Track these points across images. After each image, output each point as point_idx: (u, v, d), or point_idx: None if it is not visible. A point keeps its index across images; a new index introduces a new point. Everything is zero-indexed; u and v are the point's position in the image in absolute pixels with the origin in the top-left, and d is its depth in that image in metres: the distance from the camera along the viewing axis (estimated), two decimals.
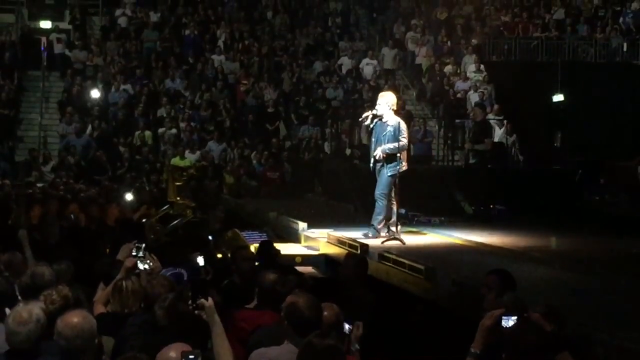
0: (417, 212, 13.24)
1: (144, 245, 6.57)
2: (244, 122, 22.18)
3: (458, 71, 23.15)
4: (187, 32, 24.61)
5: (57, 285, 5.50)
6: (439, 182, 14.85)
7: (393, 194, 10.98)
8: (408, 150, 11.65)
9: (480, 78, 22.42)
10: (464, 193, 14.61)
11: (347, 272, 7.34)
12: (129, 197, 14.31)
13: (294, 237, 12.13)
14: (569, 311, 5.56)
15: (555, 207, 13.94)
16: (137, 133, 21.20)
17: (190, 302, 4.90)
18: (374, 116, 11.03)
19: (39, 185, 15.88)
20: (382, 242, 10.48)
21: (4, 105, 21.77)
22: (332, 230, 11.38)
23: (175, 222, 15.48)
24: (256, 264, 7.54)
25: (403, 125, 10.90)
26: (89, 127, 21.35)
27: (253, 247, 9.53)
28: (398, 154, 10.74)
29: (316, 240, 11.37)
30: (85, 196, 13.10)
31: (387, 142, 10.82)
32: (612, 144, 18.95)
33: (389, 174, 10.86)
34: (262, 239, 10.47)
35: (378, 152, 10.89)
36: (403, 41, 24.88)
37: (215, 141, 20.95)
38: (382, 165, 10.93)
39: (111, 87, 22.49)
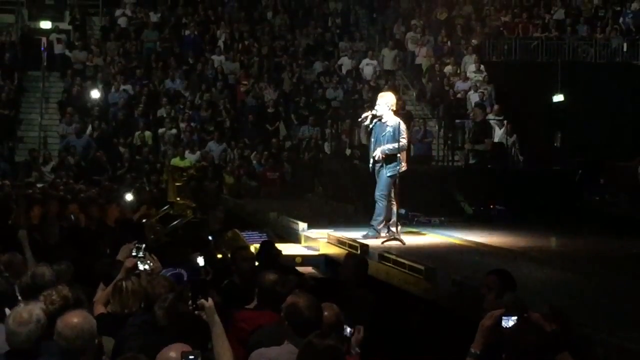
0: (417, 213, 13.24)
1: (144, 245, 6.57)
2: (244, 122, 22.18)
3: (458, 71, 23.14)
4: (187, 32, 24.62)
5: (57, 285, 5.51)
6: (439, 183, 14.84)
7: (393, 195, 10.98)
8: (408, 150, 11.66)
9: (480, 78, 22.42)
10: (464, 193, 14.60)
11: (347, 272, 7.34)
12: (129, 197, 14.30)
13: (294, 238, 12.13)
14: (569, 311, 5.56)
15: (555, 207, 13.93)
16: (137, 133, 21.20)
17: (190, 302, 4.90)
18: (374, 116, 11.02)
19: (39, 185, 15.88)
20: (382, 243, 10.48)
21: (4, 106, 21.77)
22: (332, 230, 11.38)
23: (175, 222, 15.47)
24: (256, 264, 7.54)
25: (402, 126, 10.90)
26: (89, 128, 21.36)
27: (253, 248, 9.53)
28: (398, 155, 10.73)
29: (316, 241, 11.37)
30: (85, 196, 13.09)
31: (387, 143, 10.81)
32: (612, 144, 18.94)
33: (388, 174, 10.85)
34: (262, 239, 10.48)
35: (377, 153, 10.88)
36: (403, 41, 24.88)
37: (215, 141, 20.95)
38: (381, 166, 10.92)
39: (111, 88, 22.49)
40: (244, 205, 17.06)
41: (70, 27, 24.99)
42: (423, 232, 11.95)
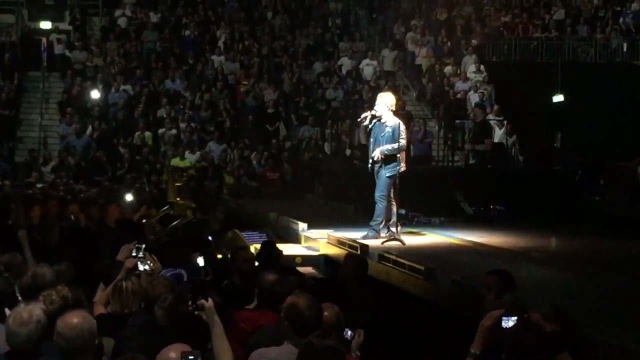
0: (417, 213, 13.23)
1: (144, 245, 6.57)
2: (244, 122, 22.19)
3: (458, 72, 23.15)
4: (187, 32, 24.62)
5: (57, 285, 5.51)
6: (439, 183, 14.83)
7: (392, 195, 10.97)
8: (407, 150, 11.64)
9: (480, 78, 22.43)
10: (464, 193, 14.59)
11: (347, 272, 7.34)
12: (129, 197, 14.29)
13: (294, 238, 12.12)
14: (569, 311, 5.56)
15: (555, 208, 13.93)
16: (137, 134, 21.21)
17: (190, 302, 4.90)
18: (373, 117, 11.00)
19: (39, 185, 15.89)
20: (382, 243, 10.47)
21: (4, 106, 21.77)
22: (332, 230, 11.38)
23: (175, 222, 15.45)
24: (256, 264, 7.54)
25: (402, 126, 10.88)
26: (89, 128, 21.36)
27: (253, 248, 9.54)
28: (398, 155, 10.73)
29: (316, 241, 11.36)
30: (85, 197, 13.09)
31: (386, 143, 10.79)
32: (612, 144, 18.95)
33: (388, 174, 10.84)
34: (262, 240, 10.48)
35: (376, 153, 10.86)
36: (403, 42, 24.88)
37: (215, 142, 20.95)
38: (380, 167, 10.90)
39: (111, 88, 22.49)
40: (244, 206, 17.06)
41: (70, 28, 25.00)
42: (423, 233, 11.94)
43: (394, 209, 10.92)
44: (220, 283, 7.16)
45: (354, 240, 10.31)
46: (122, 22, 25.08)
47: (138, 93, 22.43)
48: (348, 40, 25.22)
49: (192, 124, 21.51)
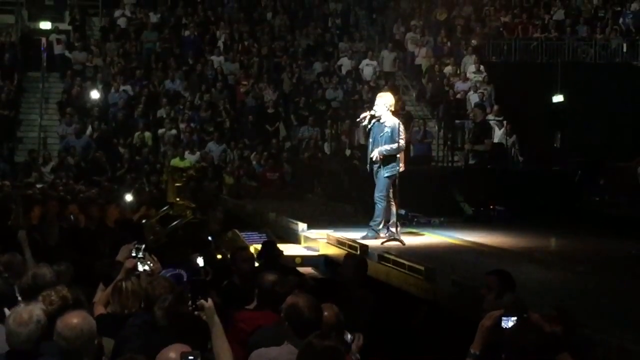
0: (417, 213, 13.23)
1: (143, 246, 6.57)
2: (243, 123, 22.18)
3: (458, 72, 23.16)
4: (186, 33, 24.62)
5: (56, 286, 5.51)
6: (439, 183, 14.82)
7: (392, 195, 10.97)
8: (406, 151, 11.64)
9: (480, 79, 22.43)
10: (464, 194, 14.59)
11: (347, 272, 7.34)
12: (128, 197, 14.30)
13: (293, 238, 12.11)
14: (569, 311, 5.56)
15: (555, 208, 13.92)
16: (136, 134, 21.20)
17: (190, 303, 4.90)
18: (372, 117, 10.99)
19: (38, 186, 15.88)
20: (382, 243, 10.47)
21: (3, 106, 21.77)
22: (331, 231, 11.37)
23: (175, 223, 15.45)
24: (256, 264, 7.54)
25: (401, 127, 10.87)
26: (89, 128, 21.36)
27: (253, 248, 9.54)
28: (397, 155, 10.72)
29: (316, 241, 11.35)
30: (85, 197, 13.09)
31: (384, 143, 10.77)
32: (612, 145, 18.95)
33: (386, 175, 10.82)
34: (261, 240, 10.47)
35: (375, 154, 10.85)
36: (403, 42, 24.88)
37: (215, 142, 20.95)
38: (379, 167, 10.89)
39: (111, 88, 22.48)
40: (243, 206, 17.04)
41: (70, 28, 24.99)
42: (423, 233, 11.94)
43: (394, 209, 10.92)
44: (220, 283, 7.16)
45: (353, 241, 10.31)
46: (121, 22, 25.08)
47: (138, 93, 22.43)
48: (348, 41, 25.22)
49: (192, 124, 21.50)
